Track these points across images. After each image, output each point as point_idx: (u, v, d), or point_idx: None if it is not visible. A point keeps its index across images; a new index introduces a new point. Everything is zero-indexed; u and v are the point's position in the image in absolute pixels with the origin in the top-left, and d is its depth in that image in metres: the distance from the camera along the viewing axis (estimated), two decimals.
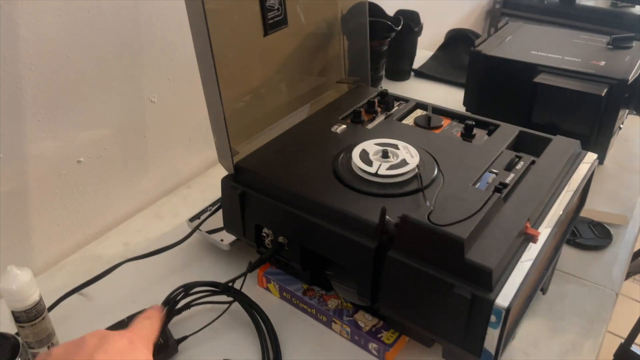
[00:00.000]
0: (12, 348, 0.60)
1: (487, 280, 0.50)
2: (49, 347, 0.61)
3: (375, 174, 0.63)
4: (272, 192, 0.64)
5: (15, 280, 0.56)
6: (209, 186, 0.94)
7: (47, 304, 0.67)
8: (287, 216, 0.63)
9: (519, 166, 0.65)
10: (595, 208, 0.87)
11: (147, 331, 0.49)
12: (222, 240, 0.76)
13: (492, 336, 0.51)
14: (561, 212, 0.60)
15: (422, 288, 0.54)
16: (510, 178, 0.62)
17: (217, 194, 0.85)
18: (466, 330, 0.52)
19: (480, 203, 0.56)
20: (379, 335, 0.63)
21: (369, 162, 0.64)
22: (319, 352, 0.64)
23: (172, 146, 0.92)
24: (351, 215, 0.58)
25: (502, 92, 0.98)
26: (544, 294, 0.71)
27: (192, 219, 0.81)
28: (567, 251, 0.79)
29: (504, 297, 0.50)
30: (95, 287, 0.70)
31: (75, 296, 0.70)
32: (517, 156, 0.66)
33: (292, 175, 0.65)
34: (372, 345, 0.63)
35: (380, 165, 0.64)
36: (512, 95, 0.96)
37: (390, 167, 0.63)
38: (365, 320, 0.65)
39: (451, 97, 1.22)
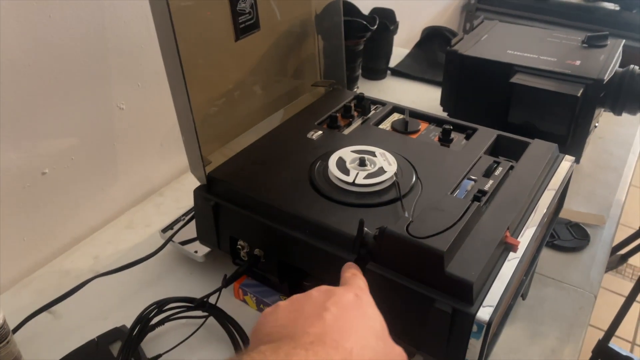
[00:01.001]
0: None
1: (467, 294, 0.49)
2: None
3: (353, 184, 0.61)
4: (247, 204, 0.62)
5: None
6: (183, 193, 0.91)
7: (13, 325, 0.64)
8: (263, 228, 0.61)
9: (497, 172, 0.64)
10: (572, 208, 0.87)
11: (364, 285, 0.46)
12: (196, 252, 0.74)
13: (473, 349, 0.50)
14: (540, 218, 0.59)
15: (402, 302, 0.53)
16: (489, 185, 0.61)
17: (191, 201, 0.82)
18: (448, 343, 0.51)
19: (459, 213, 0.54)
20: None
21: (346, 171, 0.63)
22: None
23: (142, 153, 0.89)
24: (329, 227, 0.56)
25: (479, 92, 0.97)
26: (523, 299, 0.70)
27: (164, 230, 0.78)
28: (545, 253, 0.79)
29: (485, 311, 0.49)
30: (64, 304, 0.67)
31: (43, 315, 0.67)
32: (495, 161, 0.66)
33: (267, 186, 0.63)
34: None
35: (357, 174, 0.62)
36: (489, 95, 0.95)
37: (368, 176, 0.62)
38: None
39: (428, 96, 1.21)
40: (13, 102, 0.67)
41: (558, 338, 0.66)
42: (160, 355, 0.62)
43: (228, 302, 0.69)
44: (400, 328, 0.54)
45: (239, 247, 0.65)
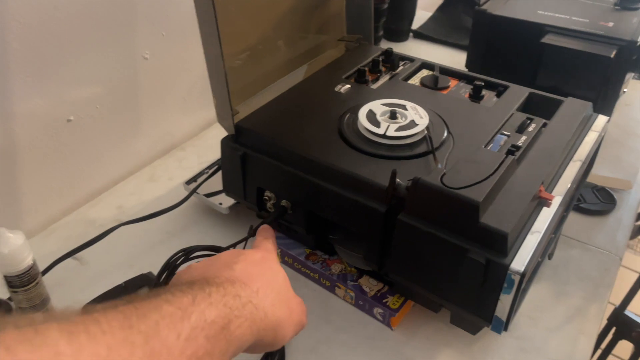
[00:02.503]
0: (5, 314, 0.57)
1: (502, 245, 0.49)
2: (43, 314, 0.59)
3: (384, 136, 0.60)
4: (275, 154, 0.62)
5: (7, 244, 0.53)
6: (204, 148, 0.91)
7: (41, 268, 0.64)
8: (291, 179, 0.61)
9: (530, 128, 0.63)
10: (599, 173, 0.86)
11: (272, 248, 0.51)
12: (220, 203, 0.74)
13: (504, 302, 0.50)
14: (574, 175, 0.58)
15: (434, 253, 0.52)
16: (522, 140, 0.60)
17: (212, 156, 0.83)
18: (478, 296, 0.51)
19: (494, 165, 0.53)
20: (384, 300, 0.62)
21: (377, 123, 0.62)
22: (323, 316, 0.63)
23: (165, 106, 0.88)
24: (360, 178, 0.56)
25: (507, 54, 0.95)
26: (550, 259, 0.70)
27: (188, 182, 0.78)
28: (571, 216, 0.78)
29: (519, 262, 0.48)
30: (89, 251, 0.68)
31: (69, 260, 0.67)
32: (528, 118, 0.64)
33: (296, 136, 0.62)
34: (377, 310, 0.62)
35: (388, 126, 0.61)
36: (517, 56, 0.93)
37: (399, 129, 0.61)
38: (370, 285, 0.64)
39: (451, 60, 1.18)
40: (40, 48, 0.66)
41: (583, 297, 0.66)
42: None
43: None
44: (429, 280, 0.54)
45: (266, 198, 0.65)
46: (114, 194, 0.81)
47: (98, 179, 0.81)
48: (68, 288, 0.66)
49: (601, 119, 0.67)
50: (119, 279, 0.64)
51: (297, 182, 0.61)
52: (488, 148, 0.59)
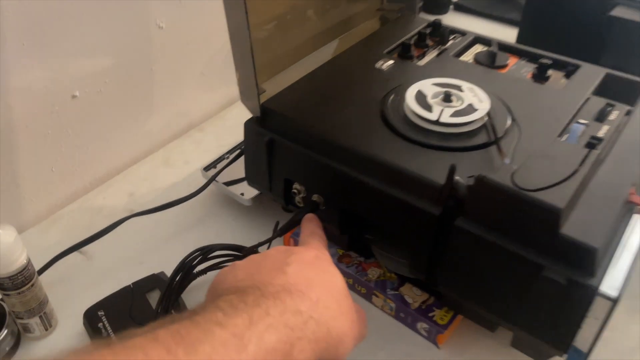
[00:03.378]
0: None
1: (589, 262, 0.39)
2: (41, 317, 0.52)
3: (437, 122, 0.51)
4: (307, 141, 0.53)
5: None
6: (225, 130, 0.82)
7: (40, 263, 0.57)
8: (325, 171, 0.52)
9: (612, 116, 0.53)
10: None
11: (323, 244, 0.45)
12: (242, 194, 0.66)
13: (588, 331, 0.41)
14: None
15: (499, 267, 0.43)
16: (604, 131, 0.50)
17: (233, 139, 0.74)
18: (554, 322, 0.42)
19: (575, 162, 0.44)
20: (430, 314, 0.53)
21: (428, 107, 0.52)
22: None
23: (181, 81, 0.79)
24: (408, 172, 0.47)
25: (567, 29, 0.84)
26: None
27: (207, 168, 0.70)
28: None
29: (610, 285, 0.39)
30: (95, 245, 0.60)
31: (72, 255, 0.60)
32: (609, 104, 0.54)
33: (331, 121, 0.53)
34: (422, 325, 0.53)
35: (442, 110, 0.52)
36: (579, 32, 0.82)
37: (455, 114, 0.51)
38: (414, 295, 0.55)
39: (497, 35, 1.07)
40: (40, 11, 0.58)
41: None
42: None
43: None
44: (490, 297, 0.46)
45: (295, 191, 0.56)
46: (124, 180, 0.73)
47: (106, 163, 0.73)
48: (70, 286, 0.59)
49: None
50: (127, 278, 0.56)
51: (331, 175, 0.52)
52: (563, 139, 0.50)
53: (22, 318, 0.51)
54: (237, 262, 0.39)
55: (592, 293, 0.39)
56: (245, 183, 0.65)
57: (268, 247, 0.56)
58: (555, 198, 0.40)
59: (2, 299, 0.52)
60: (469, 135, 0.51)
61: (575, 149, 0.46)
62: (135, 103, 0.74)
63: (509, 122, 0.52)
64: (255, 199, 0.65)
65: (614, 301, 0.39)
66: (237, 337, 0.27)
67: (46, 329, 0.53)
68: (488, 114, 0.52)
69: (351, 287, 0.58)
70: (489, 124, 0.51)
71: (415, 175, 0.46)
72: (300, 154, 0.53)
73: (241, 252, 0.56)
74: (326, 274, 0.38)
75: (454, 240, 0.45)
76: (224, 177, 0.67)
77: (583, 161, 0.44)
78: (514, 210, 0.42)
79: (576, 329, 0.41)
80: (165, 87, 0.77)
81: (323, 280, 0.37)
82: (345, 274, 0.58)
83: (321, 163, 0.52)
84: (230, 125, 0.82)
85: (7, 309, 0.52)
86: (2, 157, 0.61)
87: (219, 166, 0.69)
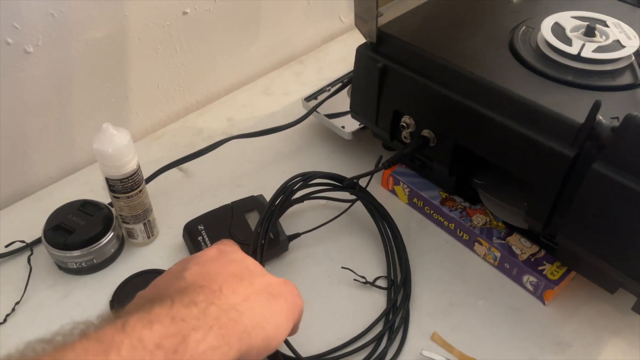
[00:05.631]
0: (105, 220, 0.52)
1: None
2: (145, 225, 0.53)
3: (577, 57, 0.45)
4: (426, 69, 0.49)
5: (111, 142, 0.46)
6: (325, 64, 0.79)
7: (144, 175, 0.58)
8: (442, 101, 0.48)
9: None
10: None
11: (231, 243, 0.41)
12: (343, 127, 0.63)
13: None
14: None
15: (637, 219, 0.39)
16: None
17: (333, 74, 0.72)
18: None
19: None
20: (540, 268, 0.49)
21: (567, 40, 0.47)
22: (456, 275, 0.52)
23: (288, 9, 0.77)
24: (540, 108, 0.42)
25: None
26: None
27: (307, 99, 0.68)
28: None
29: None
30: (196, 163, 0.61)
31: (173, 170, 0.61)
32: None
33: (454, 49, 0.49)
34: (529, 278, 0.50)
35: (583, 45, 0.46)
36: None
37: (598, 49, 0.46)
38: (522, 247, 0.51)
39: None
40: None
41: None
42: (299, 235, 0.54)
43: (373, 191, 0.58)
44: (621, 253, 0.41)
45: (403, 124, 0.53)
46: (224, 104, 0.73)
47: (209, 85, 0.73)
48: (171, 199, 0.60)
49: None
50: (225, 198, 0.56)
51: (448, 107, 0.48)
52: None
53: (127, 223, 0.52)
54: (141, 292, 0.35)
55: None
56: (346, 117, 0.63)
57: (369, 180, 0.54)
58: None
59: (110, 203, 0.53)
60: (612, 74, 0.45)
61: None
62: (241, 26, 0.72)
63: None
64: (356, 132, 0.63)
65: None
66: (103, 343, 0.25)
67: (148, 237, 0.54)
68: (637, 52, 0.45)
69: (451, 232, 0.55)
70: (636, 64, 0.45)
71: (550, 113, 0.42)
72: (416, 83, 0.50)
73: (342, 183, 0.54)
74: (232, 262, 0.36)
75: (587, 185, 0.40)
76: (325, 109, 0.65)
77: None
78: None
79: None
80: (271, 12, 0.75)
81: (228, 269, 0.35)
82: (447, 218, 0.55)
83: (439, 94, 0.48)
84: (331, 60, 0.79)
85: (114, 214, 0.53)
86: (116, 67, 0.62)
87: (320, 97, 0.67)
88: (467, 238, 0.54)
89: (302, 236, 0.54)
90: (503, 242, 0.52)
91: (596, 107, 0.39)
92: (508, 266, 0.51)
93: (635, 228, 0.39)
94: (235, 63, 0.75)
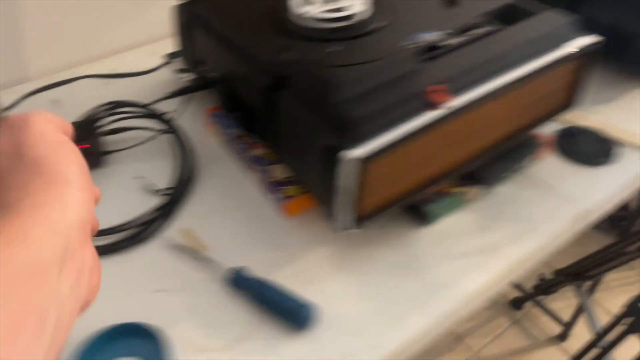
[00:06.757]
0: None
1: (347, 130, 0.45)
2: None
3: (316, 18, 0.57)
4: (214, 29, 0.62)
5: None
6: None
7: None
8: (222, 53, 0.61)
9: (478, 31, 0.55)
10: (618, 125, 0.72)
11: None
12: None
13: (343, 193, 0.46)
14: (504, 85, 0.50)
15: (302, 134, 0.50)
16: (450, 41, 0.53)
17: None
18: (322, 184, 0.48)
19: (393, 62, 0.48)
20: (283, 187, 0.61)
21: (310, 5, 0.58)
22: (229, 195, 0.64)
23: None
24: (254, 54, 0.54)
25: None
26: (488, 186, 0.62)
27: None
28: (552, 158, 0.68)
29: (362, 150, 0.44)
30: None
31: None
32: (485, 22, 0.56)
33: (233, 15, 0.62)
34: (275, 196, 0.61)
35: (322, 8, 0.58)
36: None
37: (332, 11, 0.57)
38: (281, 173, 0.62)
39: None
40: None
41: (508, 238, 0.58)
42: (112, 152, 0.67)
43: (195, 130, 0.71)
44: (301, 166, 0.52)
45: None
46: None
47: None
48: None
49: (584, 41, 0.56)
50: None
51: (225, 58, 0.61)
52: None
53: None
54: None
55: (336, 152, 0.44)
56: None
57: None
58: (336, 76, 0.46)
59: None
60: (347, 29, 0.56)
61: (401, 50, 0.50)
62: None
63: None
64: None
65: (364, 161, 0.44)
66: None
67: None
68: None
69: (240, 160, 0.67)
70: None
71: (256, 56, 0.54)
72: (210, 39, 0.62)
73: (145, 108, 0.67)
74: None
75: (281, 110, 0.52)
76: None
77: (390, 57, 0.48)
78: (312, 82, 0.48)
79: (331, 189, 0.46)
80: None
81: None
82: (235, 150, 0.67)
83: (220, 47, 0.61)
84: None
85: None
86: None
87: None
88: (247, 165, 0.66)
89: (114, 154, 0.67)
90: (266, 167, 0.63)
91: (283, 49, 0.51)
92: (265, 187, 0.63)
93: (303, 144, 0.50)
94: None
